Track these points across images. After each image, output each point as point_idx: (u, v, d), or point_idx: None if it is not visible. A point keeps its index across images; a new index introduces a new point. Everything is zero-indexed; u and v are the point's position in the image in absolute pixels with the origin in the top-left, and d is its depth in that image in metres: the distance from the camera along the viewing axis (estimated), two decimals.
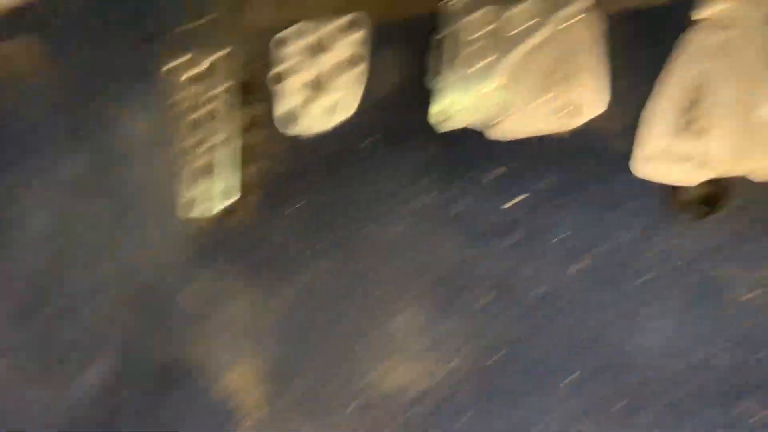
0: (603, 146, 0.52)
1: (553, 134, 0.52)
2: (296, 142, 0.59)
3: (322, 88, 0.59)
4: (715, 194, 0.47)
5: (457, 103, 0.53)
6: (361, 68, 0.58)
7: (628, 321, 0.46)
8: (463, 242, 0.55)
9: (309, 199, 0.60)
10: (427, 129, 0.59)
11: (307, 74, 0.60)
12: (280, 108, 0.60)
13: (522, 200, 0.55)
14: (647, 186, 0.51)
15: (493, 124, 0.50)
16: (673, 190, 0.49)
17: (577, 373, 0.45)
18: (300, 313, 0.56)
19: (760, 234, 0.45)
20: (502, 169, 0.57)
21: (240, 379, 0.55)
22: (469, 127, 0.51)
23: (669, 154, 0.47)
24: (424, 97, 0.55)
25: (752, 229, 0.46)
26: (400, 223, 0.58)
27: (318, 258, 0.59)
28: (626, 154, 0.48)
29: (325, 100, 0.59)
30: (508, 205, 0.55)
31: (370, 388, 0.50)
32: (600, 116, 0.51)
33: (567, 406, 0.44)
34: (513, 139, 0.53)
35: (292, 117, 0.60)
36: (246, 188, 0.60)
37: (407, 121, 0.57)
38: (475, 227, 0.55)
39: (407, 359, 0.51)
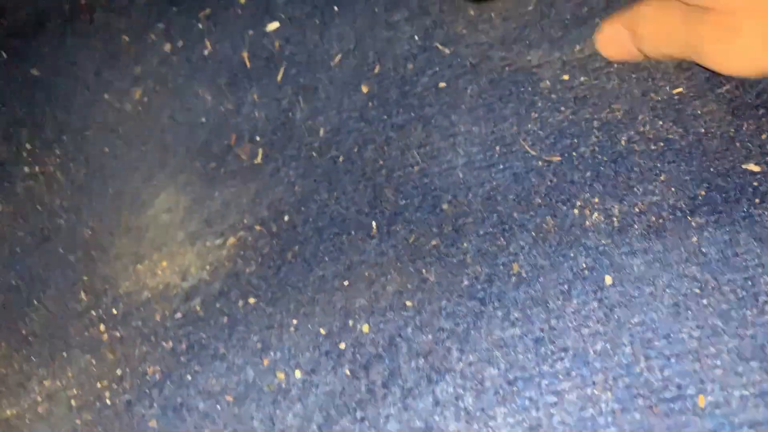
0: None
1: None
2: None
3: None
4: None
5: None
6: None
7: (436, 142, 0.37)
8: (216, 92, 0.42)
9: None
10: None
11: None
12: None
13: (280, 25, 0.43)
14: None
15: None
16: None
17: (388, 214, 0.36)
18: (27, 223, 0.40)
19: (559, 11, 0.38)
20: None
21: None
22: None
23: None
24: None
25: (547, 9, 0.38)
26: (140, 84, 0.43)
27: (33, 155, 0.42)
28: None
29: None
30: (268, 29, 0.43)
31: (133, 291, 0.37)
32: None
33: (380, 257, 0.35)
34: None
35: None
36: None
37: None
38: (229, 67, 0.43)
39: (175, 251, 0.38)
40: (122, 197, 0.40)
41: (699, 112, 0.34)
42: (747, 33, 0.25)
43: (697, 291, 0.28)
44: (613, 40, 0.33)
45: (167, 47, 0.45)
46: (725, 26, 0.25)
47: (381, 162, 0.37)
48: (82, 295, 0.37)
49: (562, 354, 0.28)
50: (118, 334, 0.35)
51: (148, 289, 0.36)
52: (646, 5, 0.31)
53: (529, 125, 0.36)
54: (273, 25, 0.43)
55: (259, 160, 0.39)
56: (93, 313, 0.36)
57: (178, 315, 0.35)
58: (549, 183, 0.34)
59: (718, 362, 0.26)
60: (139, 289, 0.37)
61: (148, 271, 0.37)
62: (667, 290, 0.28)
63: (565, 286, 0.29)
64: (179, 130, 0.42)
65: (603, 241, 0.30)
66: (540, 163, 0.35)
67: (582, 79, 0.37)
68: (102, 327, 0.36)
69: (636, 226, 0.31)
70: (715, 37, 0.26)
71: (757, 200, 0.29)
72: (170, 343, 0.34)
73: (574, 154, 0.34)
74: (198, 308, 0.35)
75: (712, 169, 0.32)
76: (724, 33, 0.26)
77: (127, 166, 0.41)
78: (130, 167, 0.41)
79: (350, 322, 0.31)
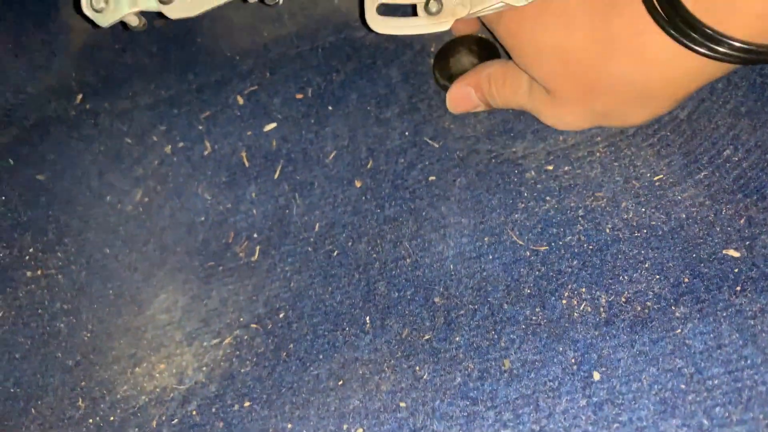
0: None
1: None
2: None
3: None
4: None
5: None
6: None
7: (426, 234, 0.38)
8: (216, 190, 0.44)
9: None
10: None
11: None
12: None
13: (276, 125, 0.45)
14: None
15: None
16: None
17: (381, 307, 0.36)
18: (28, 327, 0.41)
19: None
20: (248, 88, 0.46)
21: None
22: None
23: None
24: None
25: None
26: (141, 185, 0.45)
27: (35, 259, 0.44)
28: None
29: None
30: (266, 129, 0.45)
31: (130, 396, 0.37)
32: None
33: (376, 356, 0.35)
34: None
35: None
36: None
37: None
38: (228, 166, 0.44)
39: (172, 352, 0.38)
40: (122, 298, 0.41)
41: (679, 197, 0.35)
42: (569, 108, 0.35)
43: (683, 386, 0.28)
44: (462, 97, 0.40)
45: (168, 148, 0.47)
46: (554, 101, 0.35)
47: (374, 255, 0.38)
48: (80, 402, 0.37)
49: None
50: None
51: (145, 394, 0.37)
52: (492, 67, 0.39)
53: (516, 215, 0.37)
54: (270, 126, 0.45)
55: (256, 257, 0.40)
56: (90, 420, 0.36)
57: (175, 421, 0.35)
58: (537, 272, 0.34)
59: None
60: (137, 393, 0.37)
61: (146, 374, 0.37)
62: (654, 386, 0.28)
63: (555, 383, 0.29)
64: (179, 229, 0.43)
65: (591, 334, 0.31)
66: (528, 252, 0.35)
67: (566, 168, 0.38)
68: None
69: (622, 317, 0.31)
70: (547, 106, 0.36)
71: (737, 288, 0.30)
72: None
73: (560, 243, 0.35)
74: (194, 413, 0.35)
75: (694, 255, 0.32)
76: (554, 105, 0.35)
77: (127, 267, 0.42)
78: (130, 268, 0.42)
79: (344, 426, 0.31)
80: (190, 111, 0.48)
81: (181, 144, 0.46)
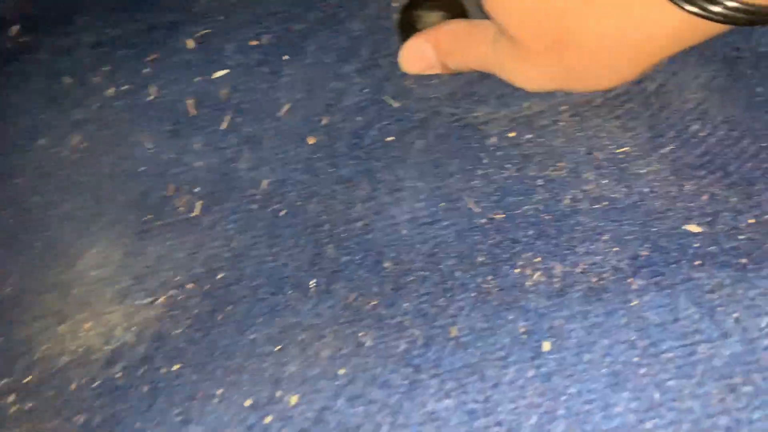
0: None
1: None
2: None
3: None
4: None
5: None
6: None
7: (381, 197, 0.36)
8: (158, 139, 0.41)
9: None
10: None
11: None
12: None
13: (228, 72, 0.42)
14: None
15: None
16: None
17: (329, 271, 0.34)
18: None
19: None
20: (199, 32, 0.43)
21: None
22: None
23: None
24: None
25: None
26: (79, 129, 0.42)
27: None
28: None
29: None
30: (215, 76, 0.42)
31: (50, 356, 0.34)
32: None
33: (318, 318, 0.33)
34: None
35: None
36: None
37: None
38: (173, 114, 0.41)
39: (101, 310, 0.36)
40: (50, 251, 0.38)
41: (642, 171, 0.34)
42: (534, 61, 0.31)
43: (636, 359, 0.27)
44: (417, 54, 0.37)
45: (110, 91, 0.43)
46: (520, 53, 0.31)
47: (324, 216, 0.36)
48: None
49: (496, 429, 0.26)
50: (27, 407, 0.32)
51: (67, 354, 0.34)
52: (456, 24, 0.36)
53: (475, 182, 0.35)
54: (221, 72, 0.42)
55: (196, 212, 0.38)
56: (3, 381, 0.34)
57: (96, 384, 0.32)
58: (492, 241, 0.33)
59: None
60: (58, 353, 0.34)
61: (70, 332, 0.35)
62: (606, 358, 0.27)
63: (503, 352, 0.28)
64: (117, 179, 0.40)
65: (543, 303, 0.29)
66: (484, 220, 0.34)
67: (528, 136, 0.36)
68: (11, 398, 0.33)
69: (577, 288, 0.30)
70: (512, 59, 0.32)
71: (697, 262, 0.29)
72: (83, 417, 0.31)
73: (518, 211, 0.34)
74: (119, 375, 0.32)
75: (654, 229, 0.31)
76: (519, 58, 0.32)
77: (58, 217, 0.39)
78: (62, 218, 0.39)
79: (278, 393, 0.29)
80: (136, 52, 0.44)
81: (124, 87, 0.43)
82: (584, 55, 0.31)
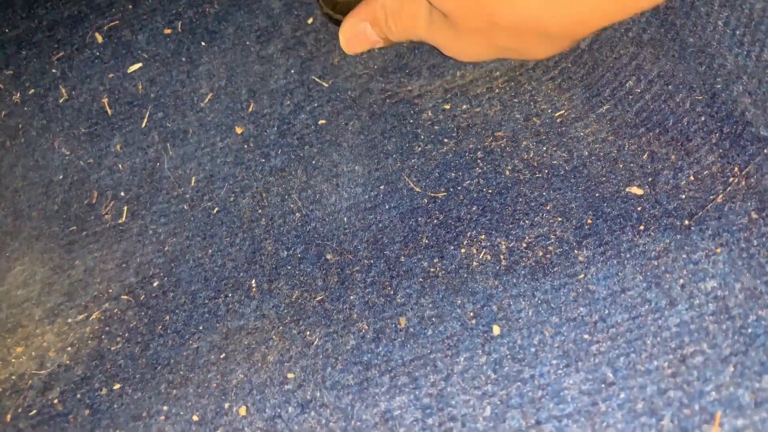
0: None
1: None
2: None
3: None
4: None
5: None
6: None
7: (317, 184, 0.35)
8: (74, 144, 0.38)
9: None
10: None
11: None
12: None
13: (142, 65, 0.39)
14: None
15: None
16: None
17: (269, 268, 0.32)
18: None
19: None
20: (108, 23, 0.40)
21: None
22: None
23: None
24: None
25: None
26: None
27: None
28: None
29: None
30: (130, 71, 0.39)
31: None
32: None
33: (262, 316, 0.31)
34: None
35: None
36: None
37: None
38: (88, 115, 0.38)
39: (31, 332, 0.33)
40: None
41: (581, 134, 0.33)
42: (468, 39, 0.31)
43: (586, 336, 0.26)
44: (357, 35, 0.35)
45: (17, 96, 0.40)
46: (455, 31, 0.31)
47: (259, 211, 0.34)
48: None
49: (451, 425, 0.25)
50: None
51: None
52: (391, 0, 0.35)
53: (413, 160, 0.34)
54: (135, 66, 0.39)
55: (124, 218, 0.35)
56: None
57: (33, 412, 0.30)
58: (435, 221, 0.32)
59: (611, 421, 0.25)
60: None
61: (1, 359, 0.32)
62: (557, 337, 0.26)
63: (453, 340, 0.27)
64: (33, 190, 0.37)
65: (490, 283, 0.28)
66: (425, 200, 0.33)
67: (464, 107, 0.35)
68: None
69: (523, 264, 0.29)
70: (448, 36, 0.32)
71: (641, 227, 0.28)
72: None
73: (459, 188, 0.32)
74: (56, 401, 0.30)
75: (597, 194, 0.31)
76: (453, 35, 0.32)
77: None
78: None
79: (226, 405, 0.28)
80: (40, 52, 0.41)
81: (31, 91, 0.40)
82: (515, 35, 0.29)
